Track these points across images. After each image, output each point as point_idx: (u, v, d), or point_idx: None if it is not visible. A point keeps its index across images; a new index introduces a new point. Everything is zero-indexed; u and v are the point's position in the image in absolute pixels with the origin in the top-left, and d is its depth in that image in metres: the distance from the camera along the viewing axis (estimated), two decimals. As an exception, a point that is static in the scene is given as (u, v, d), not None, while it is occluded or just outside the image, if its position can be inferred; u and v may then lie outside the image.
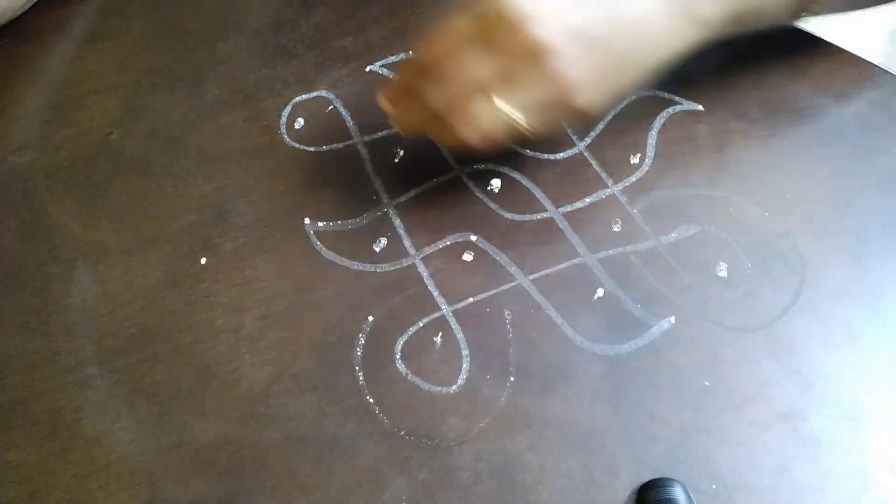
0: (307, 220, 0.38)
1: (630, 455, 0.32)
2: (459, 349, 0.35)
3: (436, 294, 0.36)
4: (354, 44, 0.44)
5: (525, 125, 0.31)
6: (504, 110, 0.30)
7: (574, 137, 0.41)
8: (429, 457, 0.32)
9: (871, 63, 0.42)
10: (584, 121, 0.32)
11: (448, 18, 0.31)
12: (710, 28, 0.33)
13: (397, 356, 0.35)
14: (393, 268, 0.37)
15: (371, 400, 0.34)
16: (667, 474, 0.31)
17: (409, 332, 0.35)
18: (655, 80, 0.33)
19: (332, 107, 0.42)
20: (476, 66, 0.30)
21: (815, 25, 0.41)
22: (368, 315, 0.36)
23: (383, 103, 0.35)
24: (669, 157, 0.39)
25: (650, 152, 0.40)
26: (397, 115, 0.35)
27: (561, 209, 0.38)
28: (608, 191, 0.39)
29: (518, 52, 0.29)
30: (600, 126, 0.41)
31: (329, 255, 0.38)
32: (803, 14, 0.36)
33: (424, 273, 0.37)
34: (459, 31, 0.31)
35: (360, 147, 0.41)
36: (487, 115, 0.31)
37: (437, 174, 0.40)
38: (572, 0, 0.30)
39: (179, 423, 0.33)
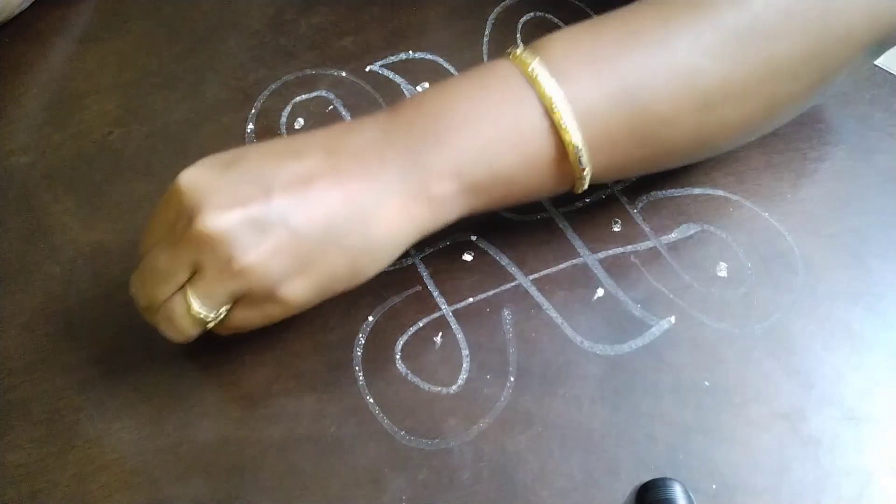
0: (307, 220, 0.38)
1: (630, 455, 0.32)
2: (459, 349, 0.35)
3: (436, 294, 0.36)
4: (354, 44, 0.44)
5: (221, 321, 0.30)
6: (196, 307, 0.29)
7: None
8: (429, 457, 0.32)
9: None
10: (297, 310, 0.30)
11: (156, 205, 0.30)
12: (452, 206, 0.30)
13: (397, 356, 0.35)
14: (393, 268, 0.37)
15: (371, 400, 0.34)
16: (667, 474, 0.31)
17: (409, 332, 0.35)
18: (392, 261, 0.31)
19: (332, 107, 0.42)
20: (166, 262, 0.28)
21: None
22: (368, 315, 0.36)
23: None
24: (669, 157, 0.39)
25: (650, 152, 0.40)
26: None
27: (561, 209, 0.38)
28: (608, 191, 0.39)
29: (195, 245, 0.27)
30: (600, 126, 0.41)
31: (329, 255, 0.37)
32: (569, 189, 0.32)
33: (424, 273, 0.37)
34: (159, 220, 0.29)
35: (360, 147, 0.41)
36: (181, 315, 0.29)
37: (437, 174, 0.40)
38: (261, 188, 0.27)
39: (179, 423, 0.33)
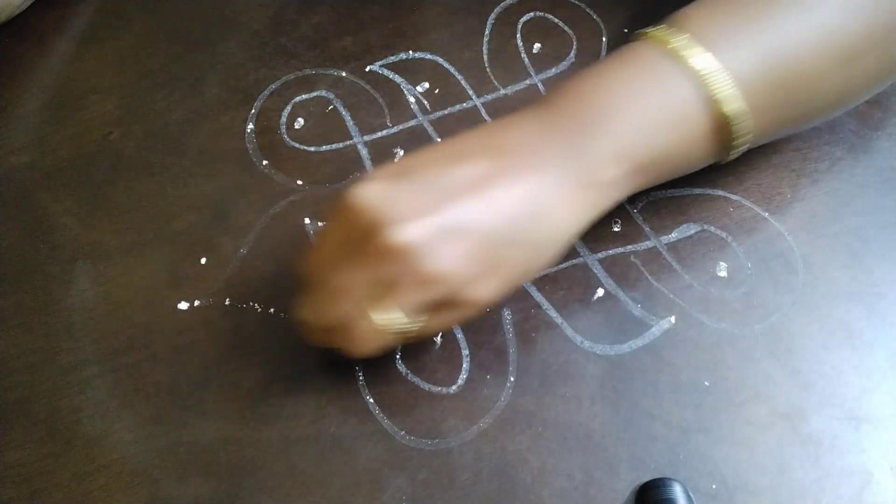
0: (307, 220, 0.38)
1: (630, 455, 0.32)
2: (459, 349, 0.35)
3: (436, 294, 0.36)
4: (354, 44, 0.44)
5: (415, 329, 0.29)
6: (384, 324, 0.28)
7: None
8: (429, 457, 0.32)
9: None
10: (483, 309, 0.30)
11: (324, 226, 0.29)
12: (618, 189, 0.30)
13: (397, 356, 0.35)
14: (393, 268, 0.37)
15: (371, 400, 0.34)
16: (667, 474, 0.31)
17: (409, 332, 0.35)
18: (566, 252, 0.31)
19: (332, 107, 0.42)
20: (348, 280, 0.28)
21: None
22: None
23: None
24: (669, 157, 0.39)
25: (650, 152, 0.40)
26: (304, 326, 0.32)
27: (561, 209, 0.38)
28: (608, 191, 0.39)
29: (385, 259, 0.27)
30: (600, 126, 0.41)
31: (329, 255, 0.37)
32: (720, 158, 0.33)
33: (424, 273, 0.37)
34: (331, 240, 0.29)
35: (360, 147, 0.41)
36: (370, 331, 0.28)
37: (437, 174, 0.40)
38: (440, 195, 0.27)
39: (179, 423, 0.33)
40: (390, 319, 0.28)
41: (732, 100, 0.29)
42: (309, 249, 0.30)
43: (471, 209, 0.27)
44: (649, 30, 0.31)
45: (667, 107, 0.29)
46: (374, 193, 0.28)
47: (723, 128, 0.30)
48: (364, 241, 0.27)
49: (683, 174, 0.34)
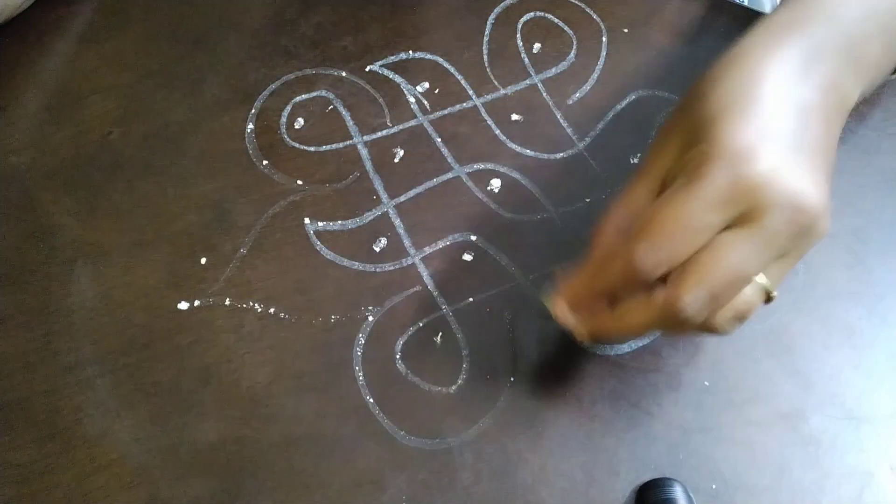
0: (307, 220, 0.38)
1: (630, 455, 0.32)
2: (459, 349, 0.35)
3: (436, 294, 0.36)
4: (354, 44, 0.44)
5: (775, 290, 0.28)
6: (768, 287, 0.27)
7: (574, 138, 0.41)
8: (429, 457, 0.32)
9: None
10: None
11: (679, 209, 0.25)
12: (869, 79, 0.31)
13: (397, 356, 0.35)
14: (393, 268, 0.37)
15: (371, 400, 0.34)
16: (667, 474, 0.31)
17: (409, 332, 0.35)
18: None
19: (332, 107, 0.42)
20: (753, 267, 0.26)
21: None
22: (368, 315, 0.36)
23: (561, 311, 0.29)
24: (669, 157, 0.39)
25: (650, 152, 0.40)
26: (597, 329, 0.29)
27: (561, 209, 0.38)
28: (608, 191, 0.39)
29: (805, 242, 0.26)
30: (600, 126, 0.41)
31: (329, 255, 0.38)
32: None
33: (424, 273, 0.37)
34: (705, 221, 0.25)
35: (360, 147, 0.41)
36: (754, 300, 0.27)
37: (437, 174, 0.40)
38: (825, 165, 0.27)
39: (179, 423, 0.33)
40: (769, 281, 0.27)
41: None
42: (663, 238, 0.26)
43: (822, 136, 0.28)
44: None
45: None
46: (787, 167, 0.26)
47: None
48: (780, 225, 0.25)
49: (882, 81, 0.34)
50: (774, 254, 0.26)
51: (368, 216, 0.39)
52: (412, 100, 0.42)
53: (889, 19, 0.31)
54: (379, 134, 0.41)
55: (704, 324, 0.26)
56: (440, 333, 0.35)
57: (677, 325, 0.26)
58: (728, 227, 0.26)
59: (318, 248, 0.38)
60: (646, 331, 0.29)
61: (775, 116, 0.27)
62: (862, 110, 0.41)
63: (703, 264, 0.25)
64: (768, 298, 0.27)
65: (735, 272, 0.25)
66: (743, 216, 0.25)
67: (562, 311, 0.29)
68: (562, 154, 0.40)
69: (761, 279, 0.26)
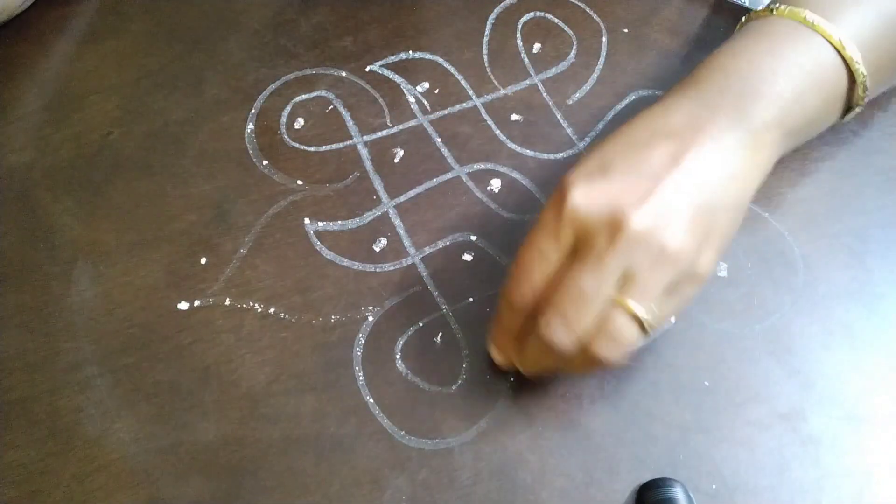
0: (307, 220, 0.38)
1: (630, 455, 0.32)
2: (459, 349, 0.35)
3: (436, 294, 0.36)
4: (354, 44, 0.44)
5: (656, 319, 0.29)
6: (642, 313, 0.28)
7: (574, 138, 0.41)
8: (429, 457, 0.32)
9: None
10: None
11: (526, 247, 0.29)
12: (777, 152, 0.32)
13: (397, 356, 0.35)
14: (393, 268, 0.37)
15: (371, 400, 0.34)
16: (667, 474, 0.31)
17: (409, 332, 0.35)
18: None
19: (332, 107, 0.42)
20: (594, 282, 0.28)
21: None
22: (368, 315, 0.36)
23: (500, 358, 0.33)
24: (669, 157, 0.39)
25: (650, 152, 0.40)
26: (523, 366, 0.32)
27: (561, 209, 0.38)
28: (608, 191, 0.39)
29: (628, 248, 0.27)
30: (600, 126, 0.41)
31: (329, 255, 0.38)
32: (847, 116, 0.36)
33: (424, 273, 0.37)
34: (547, 254, 0.29)
35: (360, 147, 0.41)
36: (626, 325, 0.28)
37: (437, 174, 0.40)
38: (647, 180, 0.28)
39: (179, 423, 0.33)
40: (643, 307, 0.28)
41: (860, 63, 0.33)
42: (521, 273, 0.30)
43: (679, 185, 0.29)
44: (767, 8, 0.34)
45: (813, 72, 0.32)
46: (591, 194, 0.28)
47: (852, 89, 0.34)
48: (599, 240, 0.28)
49: (814, 137, 0.36)
50: (609, 269, 0.28)
51: (368, 216, 0.39)
52: (412, 100, 0.42)
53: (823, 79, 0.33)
54: (379, 134, 0.41)
55: (588, 356, 0.29)
56: (440, 333, 0.35)
57: (557, 355, 0.29)
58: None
59: (318, 248, 0.38)
60: (547, 365, 0.31)
61: (606, 151, 0.30)
62: (862, 111, 0.40)
63: (552, 292, 0.29)
64: (644, 326, 0.28)
65: (575, 292, 0.28)
66: (577, 245, 0.29)
67: (496, 354, 0.33)
68: (562, 154, 0.40)
69: (634, 307, 0.28)
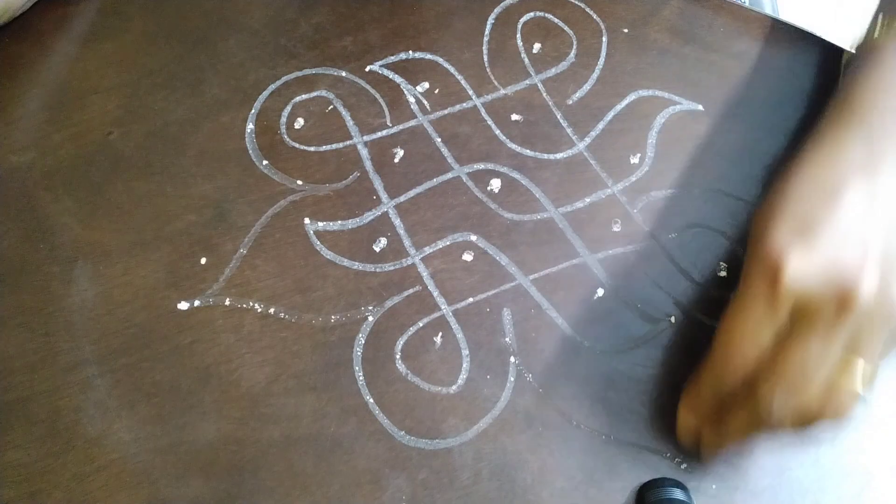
0: (307, 220, 0.38)
1: (630, 455, 0.32)
2: (459, 349, 0.35)
3: (436, 294, 0.36)
4: (354, 44, 0.44)
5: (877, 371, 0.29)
6: (865, 375, 0.28)
7: (574, 138, 0.41)
8: (429, 457, 0.32)
9: (871, 63, 0.42)
10: None
11: (737, 317, 0.29)
12: None
13: (397, 356, 0.35)
14: (393, 268, 0.37)
15: (371, 400, 0.34)
16: (667, 474, 0.31)
17: (409, 332, 0.35)
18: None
19: (332, 107, 0.42)
20: (821, 352, 0.27)
21: (819, 28, 0.41)
22: (368, 315, 0.36)
23: (687, 421, 0.32)
24: (669, 157, 0.40)
25: (650, 152, 0.40)
26: (711, 433, 0.31)
27: (561, 209, 0.38)
28: (608, 191, 0.39)
29: (859, 314, 0.27)
30: (600, 126, 0.41)
31: (329, 255, 0.38)
32: None
33: (424, 273, 0.37)
34: (762, 326, 0.28)
35: (360, 147, 0.41)
36: (852, 395, 0.28)
37: (437, 174, 0.40)
38: (856, 236, 0.28)
39: (179, 423, 0.33)
40: (866, 370, 0.28)
41: None
42: (733, 345, 0.29)
43: (885, 236, 0.28)
44: (879, 33, 0.35)
45: None
46: (809, 265, 0.28)
47: None
48: (826, 311, 0.27)
49: None
50: (838, 338, 0.27)
51: (368, 216, 0.39)
52: (412, 100, 0.42)
53: None
54: (379, 134, 0.41)
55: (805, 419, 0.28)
56: (440, 333, 0.35)
57: (769, 421, 0.28)
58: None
59: (318, 248, 0.38)
60: (750, 432, 0.30)
61: (798, 201, 0.30)
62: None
63: (773, 364, 0.28)
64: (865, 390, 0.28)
65: (798, 362, 0.27)
66: (796, 318, 0.28)
67: (686, 419, 0.32)
68: (562, 154, 0.40)
69: (855, 371, 0.27)
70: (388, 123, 0.41)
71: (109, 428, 0.33)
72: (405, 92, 0.43)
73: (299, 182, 0.40)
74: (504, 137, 0.41)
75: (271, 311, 0.36)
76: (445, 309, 0.36)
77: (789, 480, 0.31)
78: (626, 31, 0.44)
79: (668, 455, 0.32)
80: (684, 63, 0.43)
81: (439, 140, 0.41)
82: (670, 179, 0.39)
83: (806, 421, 0.28)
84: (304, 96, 0.43)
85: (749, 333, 0.29)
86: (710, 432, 0.31)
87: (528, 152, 0.40)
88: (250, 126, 0.42)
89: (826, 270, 0.27)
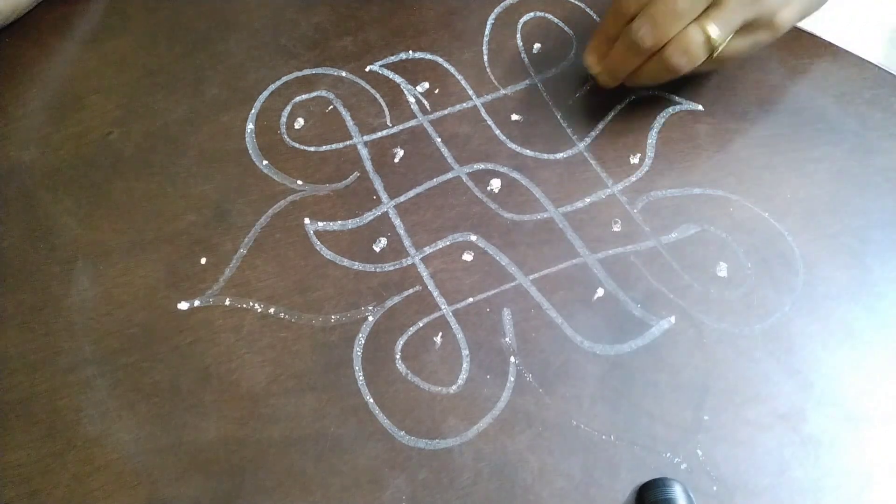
0: (307, 220, 0.38)
1: (630, 455, 0.32)
2: (459, 349, 0.35)
3: (436, 294, 0.36)
4: (354, 44, 0.44)
5: (727, 48, 0.35)
6: (715, 35, 0.34)
7: (574, 138, 0.41)
8: (429, 457, 0.32)
9: (871, 63, 0.42)
10: (764, 44, 0.36)
11: None
12: None
13: (397, 356, 0.35)
14: (393, 268, 0.37)
15: (371, 400, 0.34)
16: (667, 474, 0.31)
17: (409, 332, 0.35)
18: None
19: (332, 107, 0.42)
20: (684, 1, 0.33)
21: (814, 25, 0.41)
22: (368, 315, 0.36)
23: (590, 59, 0.39)
24: (669, 157, 0.40)
25: (650, 152, 0.40)
26: (605, 66, 0.39)
27: (561, 209, 0.38)
28: (608, 191, 0.39)
29: None
30: (600, 126, 0.41)
31: (329, 255, 0.38)
32: None
33: (424, 273, 0.37)
34: None
35: (360, 147, 0.41)
36: (699, 42, 0.34)
37: (437, 174, 0.40)
38: None
39: (179, 423, 0.33)
40: (717, 33, 0.34)
41: None
42: None
43: None
44: None
45: None
46: None
47: None
48: None
49: None
50: None
51: (368, 216, 0.39)
52: (412, 100, 0.42)
53: None
54: (379, 134, 0.41)
55: (661, 62, 0.35)
56: (440, 333, 0.35)
57: (635, 49, 0.35)
58: None
59: (318, 248, 0.38)
60: (627, 64, 0.37)
61: None
62: (862, 111, 0.41)
63: (650, 5, 0.35)
64: (712, 47, 0.35)
65: (669, 5, 0.34)
66: None
67: (590, 59, 0.40)
68: (562, 154, 0.40)
69: (710, 28, 0.34)
70: (388, 123, 0.41)
71: (109, 428, 0.33)
72: (405, 92, 0.43)
73: (299, 182, 0.40)
74: (504, 137, 0.41)
75: (271, 311, 0.36)
76: (445, 309, 0.36)
77: (789, 480, 0.31)
78: (626, 31, 0.44)
79: (668, 455, 0.32)
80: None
81: (439, 140, 0.41)
82: (670, 179, 0.39)
83: (659, 60, 0.35)
84: (304, 96, 0.43)
85: None
86: (606, 62, 0.39)
87: (528, 152, 0.40)
88: (250, 126, 0.42)
89: None
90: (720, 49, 0.35)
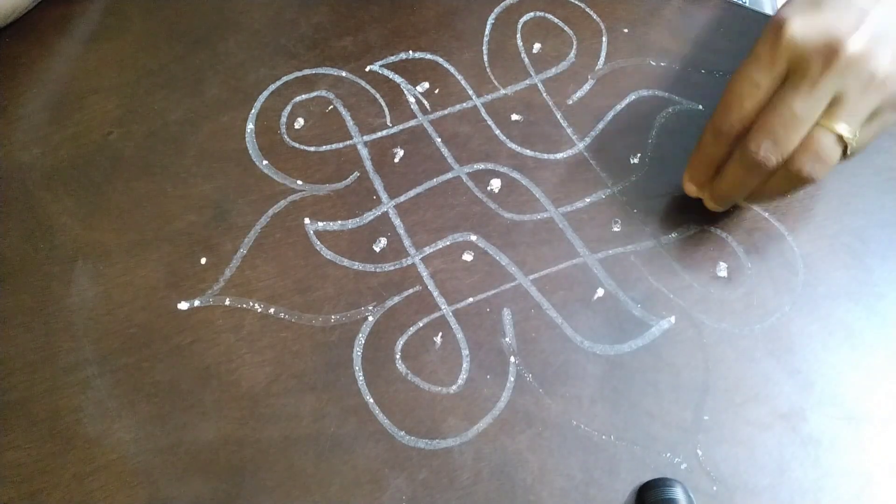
0: (307, 220, 0.38)
1: (630, 455, 0.32)
2: (459, 349, 0.35)
3: (436, 294, 0.36)
4: (354, 44, 0.44)
5: (863, 143, 0.32)
6: (846, 133, 0.31)
7: (574, 138, 0.41)
8: (429, 457, 0.32)
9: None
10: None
11: (738, 77, 0.32)
12: None
13: (397, 356, 0.35)
14: (393, 268, 0.37)
15: (371, 400, 0.34)
16: (667, 474, 0.31)
17: (409, 332, 0.35)
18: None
19: (332, 107, 0.42)
20: (804, 106, 0.30)
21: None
22: (368, 315, 0.36)
23: (691, 189, 0.36)
24: (669, 157, 0.40)
25: (650, 152, 0.40)
26: (716, 193, 0.35)
27: (561, 209, 0.38)
28: (608, 191, 0.39)
29: (841, 73, 0.30)
30: (600, 126, 0.41)
31: (329, 255, 0.38)
32: None
33: (424, 273, 0.37)
34: (759, 83, 0.31)
35: (360, 147, 0.41)
36: (829, 144, 0.31)
37: (437, 174, 0.40)
38: (857, 9, 0.30)
39: (179, 423, 0.33)
40: (848, 130, 0.31)
41: None
42: (732, 101, 0.32)
43: (890, 14, 0.30)
44: None
45: None
46: (807, 24, 0.30)
47: None
48: (813, 66, 0.30)
49: None
50: (821, 93, 0.30)
51: (368, 216, 0.39)
52: (412, 100, 0.42)
53: None
54: (379, 134, 0.41)
55: (790, 173, 0.31)
56: (440, 333, 0.35)
57: (757, 170, 0.32)
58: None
59: (318, 248, 0.38)
60: (743, 185, 0.33)
61: None
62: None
63: (762, 116, 0.31)
64: (846, 148, 0.31)
65: (786, 114, 0.30)
66: (790, 72, 0.31)
67: (690, 188, 0.36)
68: (562, 154, 0.40)
69: (840, 128, 0.30)
70: (388, 123, 0.41)
71: (109, 428, 0.33)
72: (405, 92, 0.43)
73: (299, 182, 0.40)
74: (504, 137, 0.41)
75: (271, 311, 0.36)
76: (445, 309, 0.36)
77: (789, 480, 0.31)
78: (626, 31, 0.44)
79: (668, 455, 0.32)
80: (684, 63, 0.43)
81: (439, 140, 0.41)
82: (670, 180, 0.39)
83: (787, 172, 0.31)
84: (304, 96, 0.43)
85: (746, 90, 0.32)
86: (714, 186, 0.35)
87: (528, 152, 0.40)
88: (250, 126, 0.42)
89: (822, 29, 0.30)
90: (854, 145, 0.31)
